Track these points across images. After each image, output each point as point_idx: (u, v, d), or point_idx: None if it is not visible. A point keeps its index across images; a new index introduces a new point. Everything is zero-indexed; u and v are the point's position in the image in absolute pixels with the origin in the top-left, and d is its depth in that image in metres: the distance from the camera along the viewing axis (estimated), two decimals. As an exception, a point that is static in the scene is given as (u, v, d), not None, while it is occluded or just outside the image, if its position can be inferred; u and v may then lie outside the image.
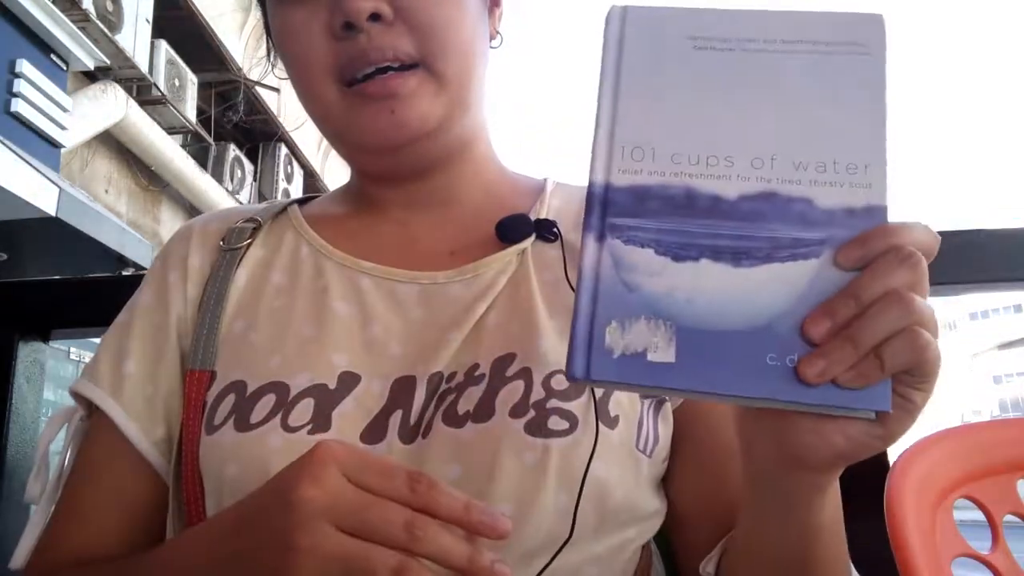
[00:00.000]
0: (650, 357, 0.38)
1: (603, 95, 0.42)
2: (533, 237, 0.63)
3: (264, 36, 0.70)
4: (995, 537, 0.84)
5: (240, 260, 0.64)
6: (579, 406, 0.53)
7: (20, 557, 0.59)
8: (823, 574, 0.49)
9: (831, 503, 0.46)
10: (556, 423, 0.52)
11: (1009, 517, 0.85)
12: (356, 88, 0.58)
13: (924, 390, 0.38)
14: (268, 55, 0.70)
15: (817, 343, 0.37)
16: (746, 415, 0.43)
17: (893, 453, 0.86)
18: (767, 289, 0.38)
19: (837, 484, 0.47)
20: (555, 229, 0.64)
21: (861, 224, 0.38)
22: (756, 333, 0.38)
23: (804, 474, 0.42)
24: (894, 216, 0.39)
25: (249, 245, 0.66)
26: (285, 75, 0.65)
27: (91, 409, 0.62)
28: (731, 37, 0.41)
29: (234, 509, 0.45)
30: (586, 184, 0.41)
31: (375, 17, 0.56)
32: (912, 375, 0.37)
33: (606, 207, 0.40)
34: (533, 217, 0.65)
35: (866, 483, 0.82)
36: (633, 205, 0.40)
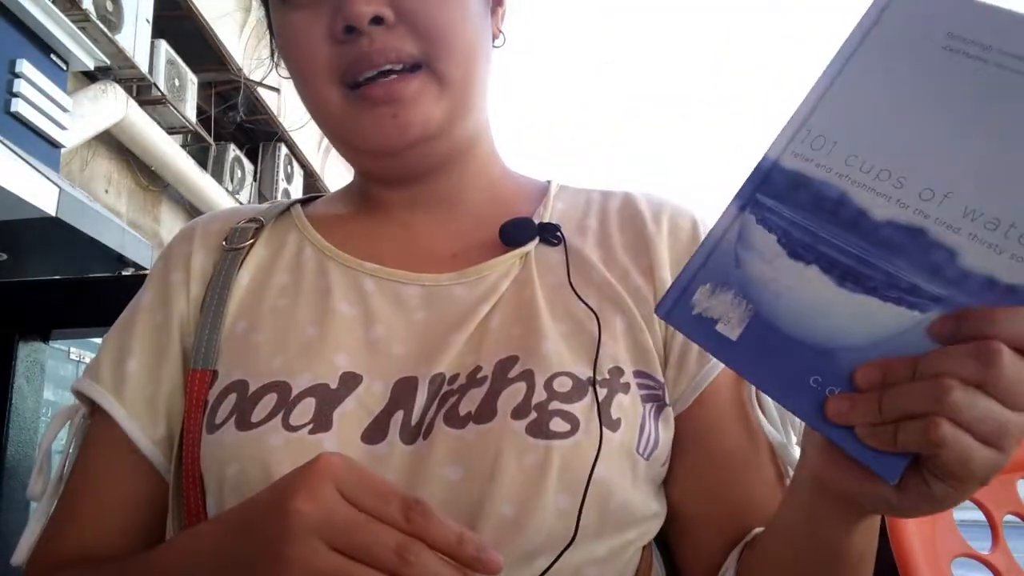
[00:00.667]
0: (718, 327, 0.40)
1: (828, 70, 0.40)
2: (536, 240, 0.63)
3: (266, 37, 0.70)
4: (995, 537, 0.84)
5: (243, 260, 0.64)
6: (581, 408, 0.53)
7: (21, 554, 0.60)
8: None
9: (858, 540, 0.46)
10: (558, 425, 0.52)
11: (1009, 517, 0.85)
12: (359, 91, 0.58)
13: (948, 485, 0.36)
14: (272, 55, 0.70)
15: (858, 389, 0.37)
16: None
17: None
18: (853, 319, 0.37)
19: (871, 531, 0.47)
20: (558, 233, 0.64)
21: (991, 300, 0.35)
22: (817, 352, 0.38)
23: (826, 500, 0.44)
24: None
25: (252, 245, 0.66)
26: (288, 75, 0.65)
27: (93, 408, 0.62)
28: (991, 45, 0.37)
29: (234, 512, 0.45)
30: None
31: (377, 20, 0.56)
32: (936, 465, 0.36)
33: (762, 182, 0.41)
34: (536, 220, 0.65)
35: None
36: (786, 190, 0.40)
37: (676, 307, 0.41)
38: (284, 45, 0.62)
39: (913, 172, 0.37)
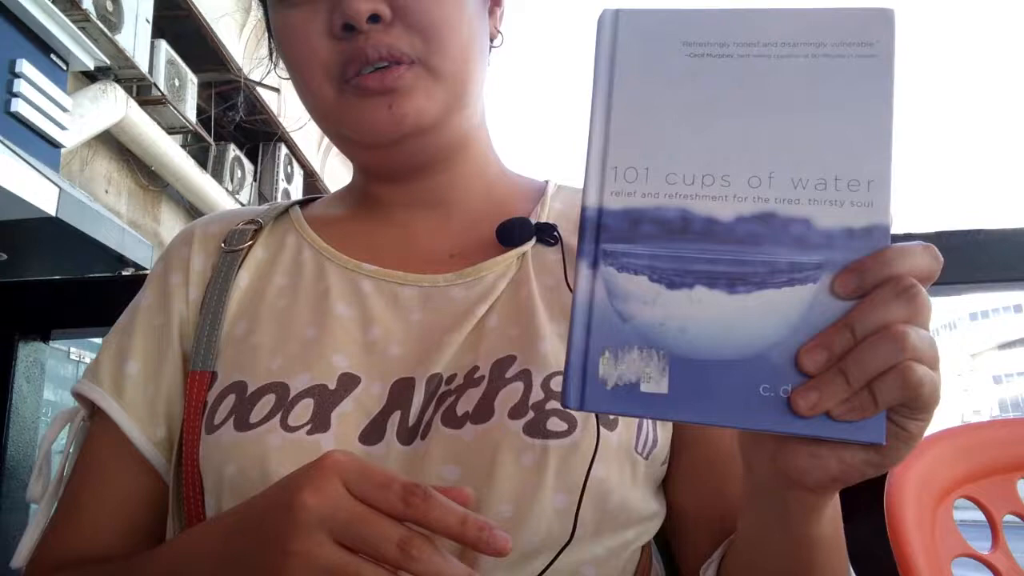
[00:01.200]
0: (643, 388, 0.38)
1: (595, 110, 0.40)
2: (534, 241, 0.63)
3: (265, 36, 0.70)
4: (995, 537, 0.84)
5: (241, 262, 0.65)
6: None
7: (21, 556, 0.60)
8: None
9: (829, 518, 0.46)
10: (555, 424, 0.52)
11: (1009, 517, 0.85)
12: (354, 82, 0.58)
13: (921, 420, 0.38)
14: (270, 55, 0.70)
15: (811, 375, 0.36)
16: (745, 434, 0.44)
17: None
18: (762, 317, 0.37)
19: (837, 500, 0.47)
20: (555, 233, 0.64)
21: (861, 246, 0.37)
22: (750, 363, 0.37)
23: (800, 493, 0.42)
24: (897, 229, 0.38)
25: (250, 247, 0.66)
26: (287, 75, 0.65)
27: (93, 410, 0.63)
28: (728, 41, 0.39)
29: (237, 510, 0.45)
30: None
31: (374, 18, 0.57)
32: (908, 407, 0.37)
33: (599, 232, 0.39)
34: (534, 220, 0.65)
35: (866, 483, 0.82)
36: (627, 230, 0.39)
37: (587, 392, 0.38)
38: (282, 44, 0.62)
39: (732, 166, 0.38)
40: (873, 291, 0.36)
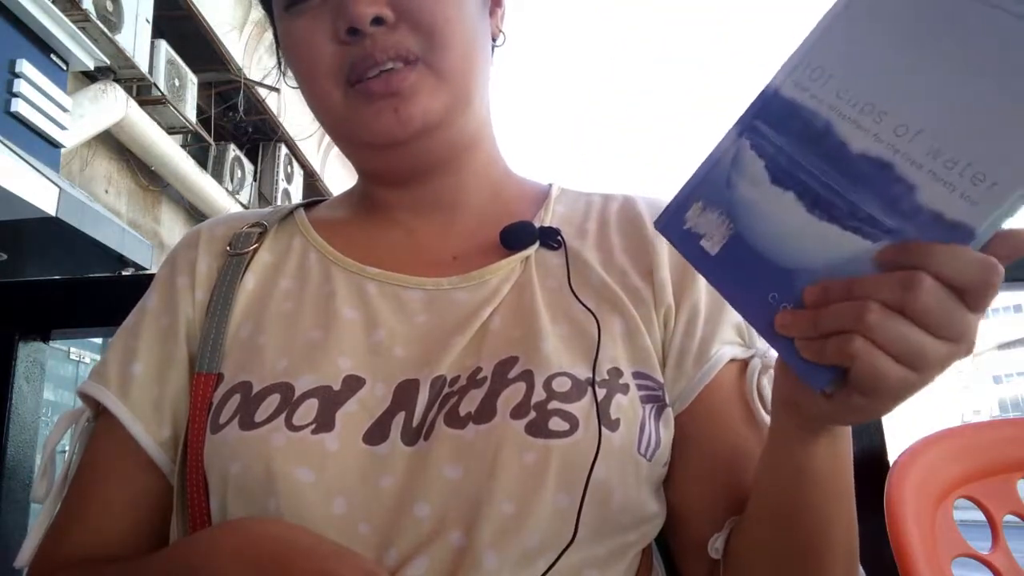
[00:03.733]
0: (702, 243, 0.44)
1: (833, 7, 0.42)
2: (537, 244, 0.64)
3: (266, 37, 0.71)
4: (995, 537, 0.84)
5: (247, 265, 0.65)
6: (580, 408, 0.53)
7: (24, 556, 0.60)
8: (815, 527, 0.51)
9: (816, 461, 0.48)
10: (557, 424, 0.52)
11: (1009, 517, 0.85)
12: (360, 86, 0.59)
13: (864, 397, 0.39)
14: (278, 65, 0.70)
15: (806, 306, 0.40)
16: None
17: (893, 453, 0.86)
18: (815, 242, 0.40)
19: (840, 449, 0.49)
20: (559, 237, 0.64)
21: (937, 235, 0.37)
22: (778, 271, 0.41)
23: (779, 409, 0.48)
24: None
25: (256, 250, 0.66)
26: (290, 80, 0.66)
27: (98, 410, 0.63)
28: None
29: (241, 538, 0.48)
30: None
31: (378, 21, 0.57)
32: (854, 378, 0.39)
33: (761, 109, 0.43)
34: (537, 224, 0.66)
35: (866, 483, 0.82)
36: (782, 118, 0.42)
37: (671, 221, 0.45)
38: (289, 51, 0.63)
39: (893, 108, 0.39)
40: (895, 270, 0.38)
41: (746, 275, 0.42)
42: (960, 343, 0.38)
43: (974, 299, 0.37)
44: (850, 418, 0.42)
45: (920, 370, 0.38)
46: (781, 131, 0.42)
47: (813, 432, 0.47)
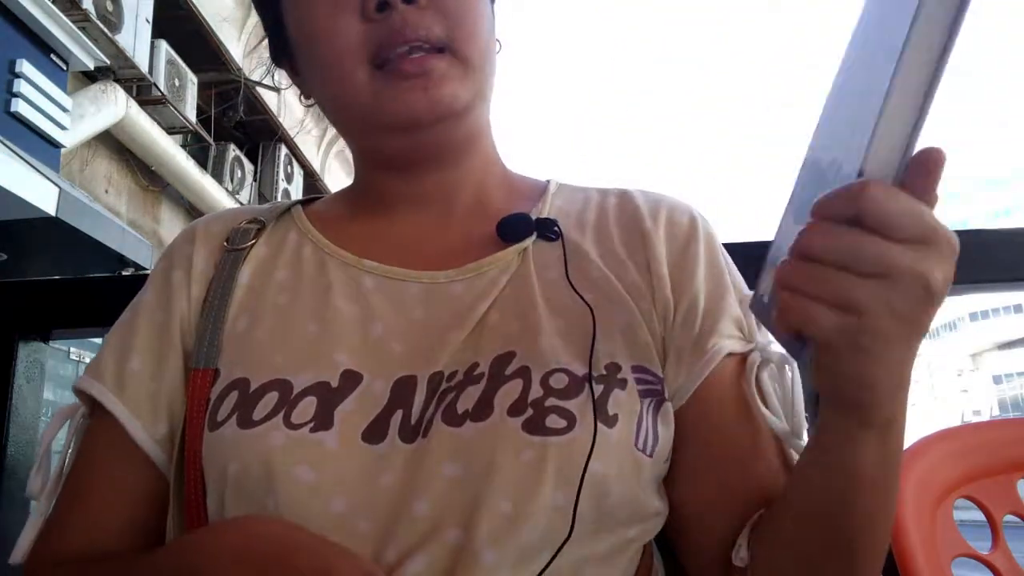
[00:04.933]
0: (764, 299, 0.48)
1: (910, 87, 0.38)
2: (534, 236, 0.64)
3: (265, 39, 0.70)
4: (995, 537, 0.84)
5: (244, 260, 0.65)
6: (577, 405, 0.53)
7: (20, 552, 0.60)
8: (858, 522, 0.50)
9: (863, 458, 0.48)
10: (554, 421, 0.52)
11: (1009, 517, 0.85)
12: (389, 68, 0.58)
13: (826, 354, 0.42)
14: (272, 59, 0.70)
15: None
16: None
17: (893, 453, 0.86)
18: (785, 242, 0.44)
19: (888, 441, 0.48)
20: (556, 228, 0.64)
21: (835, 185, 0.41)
22: (766, 274, 0.48)
23: (824, 402, 0.48)
24: None
25: (253, 245, 0.66)
26: (286, 82, 0.66)
27: (94, 406, 0.63)
28: None
29: (242, 537, 0.47)
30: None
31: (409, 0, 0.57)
32: (808, 338, 0.42)
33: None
34: (534, 216, 0.65)
35: (866, 483, 0.82)
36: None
37: (753, 303, 0.51)
38: (305, 31, 0.62)
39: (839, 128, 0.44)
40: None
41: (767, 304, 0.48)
42: (888, 277, 0.38)
43: (892, 231, 0.38)
44: (829, 382, 0.44)
45: (857, 312, 0.39)
46: (800, 187, 0.48)
47: (860, 425, 0.46)
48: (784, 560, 0.54)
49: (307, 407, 0.54)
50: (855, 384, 0.43)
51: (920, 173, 0.38)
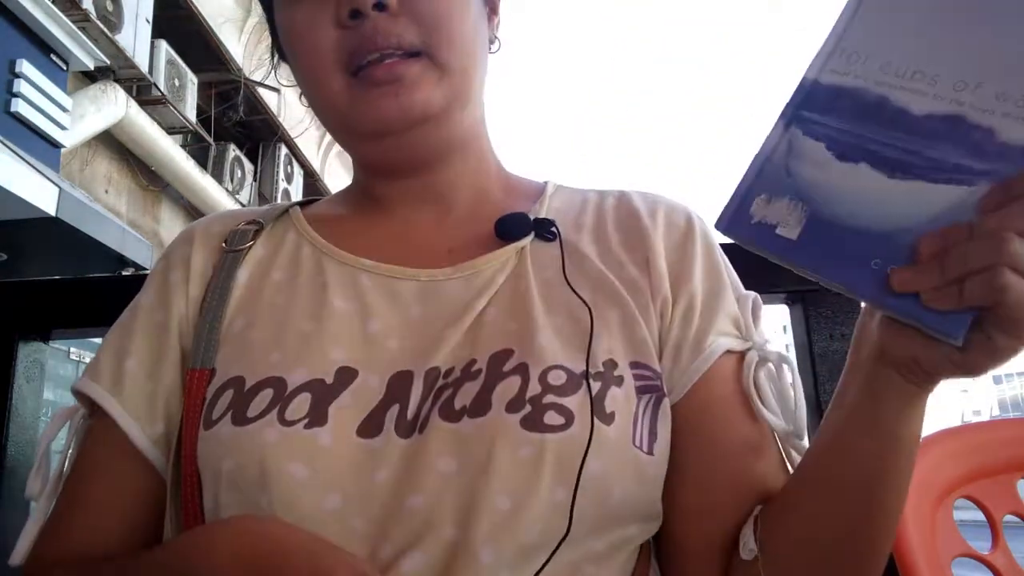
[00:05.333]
0: (779, 231, 0.43)
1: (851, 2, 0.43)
2: (532, 235, 0.64)
3: (266, 37, 0.70)
4: (995, 537, 0.84)
5: (242, 261, 0.65)
6: (575, 402, 0.53)
7: (20, 554, 0.60)
8: (893, 484, 0.50)
9: (915, 423, 0.48)
10: (552, 418, 0.52)
11: (1009, 517, 0.85)
12: (361, 74, 0.59)
13: (1009, 335, 0.38)
14: (272, 58, 0.70)
15: (921, 259, 0.39)
16: (866, 311, 0.47)
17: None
18: (907, 201, 0.40)
19: (922, 413, 0.48)
20: (554, 228, 0.64)
21: None
22: (875, 237, 0.41)
23: (891, 371, 0.45)
24: None
25: (251, 247, 0.66)
26: (289, 83, 0.66)
27: (92, 407, 0.63)
28: None
29: (242, 540, 0.47)
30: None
31: (380, 6, 0.58)
32: (997, 316, 0.38)
33: (805, 100, 0.44)
34: (532, 216, 0.65)
35: (866, 483, 0.82)
36: (827, 103, 0.43)
37: (734, 220, 0.44)
38: (290, 39, 0.63)
39: (945, 69, 0.41)
40: (1009, 203, 0.37)
41: (837, 250, 0.41)
42: None
43: None
44: (987, 363, 0.40)
45: None
46: (832, 114, 0.43)
47: (922, 394, 0.46)
48: (804, 547, 0.54)
49: (301, 403, 0.54)
50: (998, 361, 0.41)
51: None
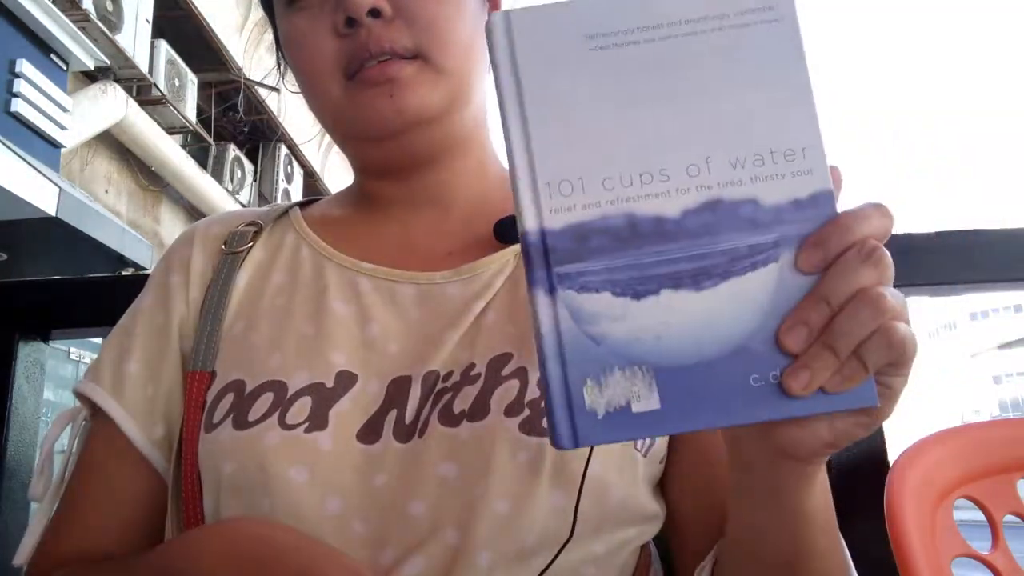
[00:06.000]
0: (635, 408, 0.36)
1: (510, 126, 0.37)
2: None
3: (265, 37, 0.71)
4: (995, 537, 0.84)
5: (241, 263, 0.65)
6: None
7: (23, 555, 0.60)
8: (818, 565, 0.49)
9: (819, 490, 0.46)
10: None
11: (1009, 517, 0.85)
12: (358, 77, 0.59)
13: (904, 375, 0.38)
14: (279, 66, 0.71)
15: (795, 354, 0.36)
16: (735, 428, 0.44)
17: (893, 453, 0.86)
18: (734, 308, 0.36)
19: (824, 472, 0.47)
20: None
21: (810, 215, 0.36)
22: (733, 356, 0.36)
23: (792, 464, 0.42)
24: (844, 199, 0.37)
25: (250, 248, 0.66)
26: (295, 89, 0.66)
27: (94, 410, 0.63)
28: (631, 27, 0.37)
29: (232, 538, 0.47)
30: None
31: (375, 13, 0.58)
32: (893, 365, 0.37)
33: (548, 257, 0.37)
34: None
35: (866, 483, 0.82)
36: (576, 247, 0.37)
37: (579, 427, 0.36)
38: (290, 47, 0.63)
39: (666, 159, 0.37)
40: (837, 259, 0.36)
41: (710, 391, 0.36)
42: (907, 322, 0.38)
43: (884, 240, 0.37)
44: (891, 409, 0.39)
45: (909, 321, 0.38)
46: (590, 258, 0.36)
47: (816, 469, 0.44)
48: None
49: (302, 407, 0.54)
50: (896, 403, 0.40)
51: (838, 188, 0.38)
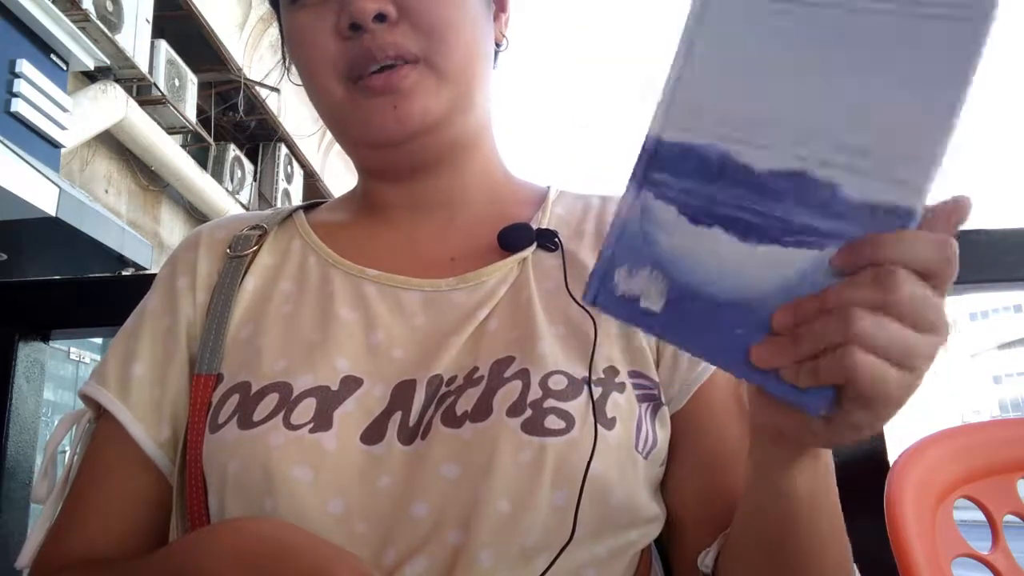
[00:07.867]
0: (641, 303, 0.41)
1: (680, 49, 0.41)
2: (534, 246, 0.64)
3: (266, 36, 0.71)
4: (995, 537, 0.84)
5: (247, 267, 0.65)
6: (576, 406, 0.53)
7: (26, 556, 0.60)
8: (806, 547, 0.50)
9: (805, 478, 0.47)
10: (553, 422, 0.52)
11: (1009, 517, 0.85)
12: (361, 84, 0.59)
13: (866, 412, 0.37)
14: (283, 60, 0.71)
15: (775, 331, 0.37)
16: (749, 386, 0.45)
17: (893, 453, 0.86)
18: (762, 269, 0.38)
19: (823, 465, 0.48)
20: (556, 239, 0.64)
21: (879, 223, 0.36)
22: (736, 306, 0.39)
23: (766, 444, 0.45)
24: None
25: (256, 252, 0.66)
26: (298, 82, 0.66)
27: (99, 412, 0.63)
28: None
29: (237, 538, 0.47)
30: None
31: (380, 17, 0.58)
32: (853, 393, 0.36)
33: (651, 160, 0.42)
34: (535, 225, 0.66)
35: (866, 483, 0.82)
36: (675, 162, 0.41)
37: (601, 292, 0.43)
38: (293, 43, 0.63)
39: (784, 119, 0.39)
40: (857, 271, 0.36)
41: (701, 321, 0.40)
42: (940, 332, 0.37)
43: (939, 281, 0.36)
44: (849, 436, 0.39)
45: (915, 369, 0.36)
46: (680, 174, 0.41)
47: (800, 457, 0.45)
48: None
49: (307, 408, 0.54)
50: (860, 433, 0.39)
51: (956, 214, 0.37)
